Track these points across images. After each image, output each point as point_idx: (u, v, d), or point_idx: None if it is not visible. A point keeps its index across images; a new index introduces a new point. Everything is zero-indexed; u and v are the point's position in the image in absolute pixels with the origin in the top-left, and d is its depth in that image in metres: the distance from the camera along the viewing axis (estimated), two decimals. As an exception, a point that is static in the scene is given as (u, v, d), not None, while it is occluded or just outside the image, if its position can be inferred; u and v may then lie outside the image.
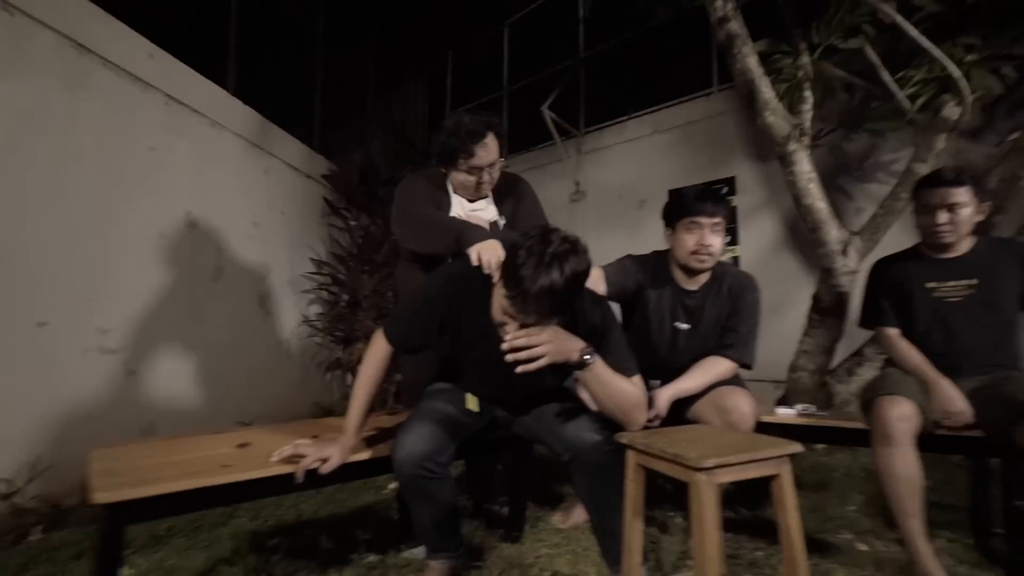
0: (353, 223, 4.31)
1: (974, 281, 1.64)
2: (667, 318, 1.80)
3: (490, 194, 1.79)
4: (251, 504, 2.13)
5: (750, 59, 2.65)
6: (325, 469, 1.23)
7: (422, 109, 6.53)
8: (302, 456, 1.23)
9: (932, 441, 1.56)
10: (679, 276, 1.80)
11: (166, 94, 2.99)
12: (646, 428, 1.41)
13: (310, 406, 4.04)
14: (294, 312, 4.08)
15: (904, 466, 1.46)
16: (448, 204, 1.74)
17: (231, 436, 1.49)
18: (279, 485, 1.24)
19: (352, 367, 3.91)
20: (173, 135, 3.04)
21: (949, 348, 1.66)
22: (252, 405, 3.42)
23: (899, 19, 2.12)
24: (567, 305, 1.15)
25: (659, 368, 1.81)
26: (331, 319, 4.21)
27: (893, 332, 1.77)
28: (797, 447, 1.23)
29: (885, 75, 2.28)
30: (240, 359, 3.46)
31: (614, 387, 1.29)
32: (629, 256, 1.89)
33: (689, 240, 1.71)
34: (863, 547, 1.75)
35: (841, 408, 2.56)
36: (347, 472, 1.33)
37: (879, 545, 1.75)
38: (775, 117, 2.62)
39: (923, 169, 2.37)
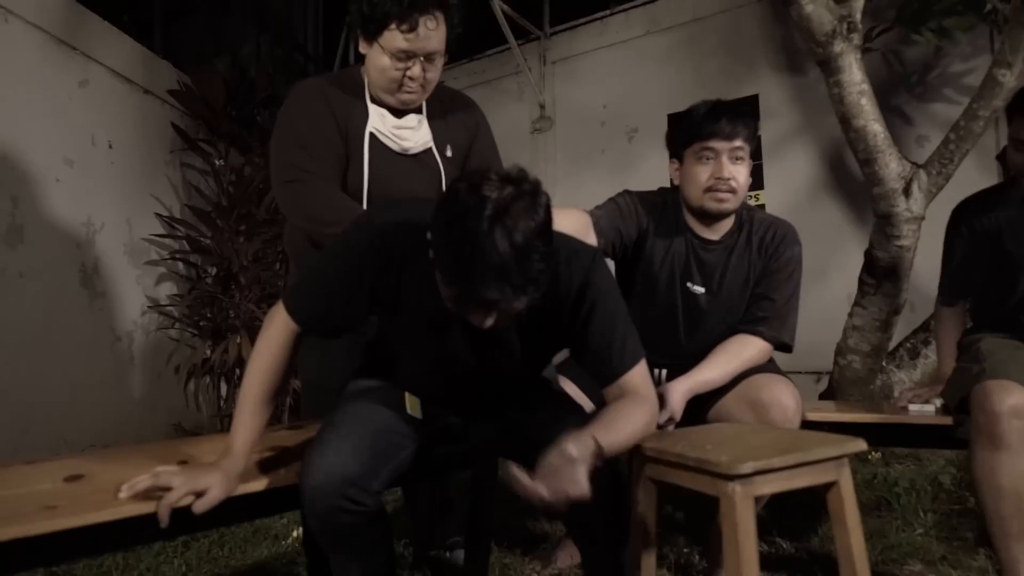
0: (220, 162, 4.13)
1: None
2: (678, 277, 1.83)
3: (423, 108, 1.75)
4: (88, 566, 2.03)
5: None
6: (201, 507, 1.17)
7: (314, 2, 6.32)
8: (166, 489, 1.16)
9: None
10: (693, 223, 1.83)
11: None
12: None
13: (167, 430, 3.89)
14: (136, 293, 3.90)
15: (1012, 475, 1.53)
16: (362, 119, 1.68)
17: (55, 465, 1.39)
18: (132, 533, 1.17)
19: (227, 370, 3.79)
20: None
21: None
22: (77, 429, 3.27)
23: None
24: (534, 282, 1.09)
25: (667, 350, 1.84)
26: (192, 303, 4.05)
27: (948, 311, 2.03)
28: (860, 444, 1.28)
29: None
30: (56, 362, 3.28)
31: (626, 435, 1.25)
32: (627, 192, 1.90)
33: (702, 173, 1.74)
34: (935, 578, 1.86)
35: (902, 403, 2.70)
36: (234, 511, 1.27)
37: (955, 575, 1.87)
38: (815, 5, 2.67)
39: (1008, 79, 2.48)
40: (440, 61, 1.66)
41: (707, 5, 4.33)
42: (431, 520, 2.03)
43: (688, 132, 1.77)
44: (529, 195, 1.06)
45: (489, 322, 1.13)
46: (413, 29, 1.55)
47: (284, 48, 6.02)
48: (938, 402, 1.86)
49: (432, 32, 1.58)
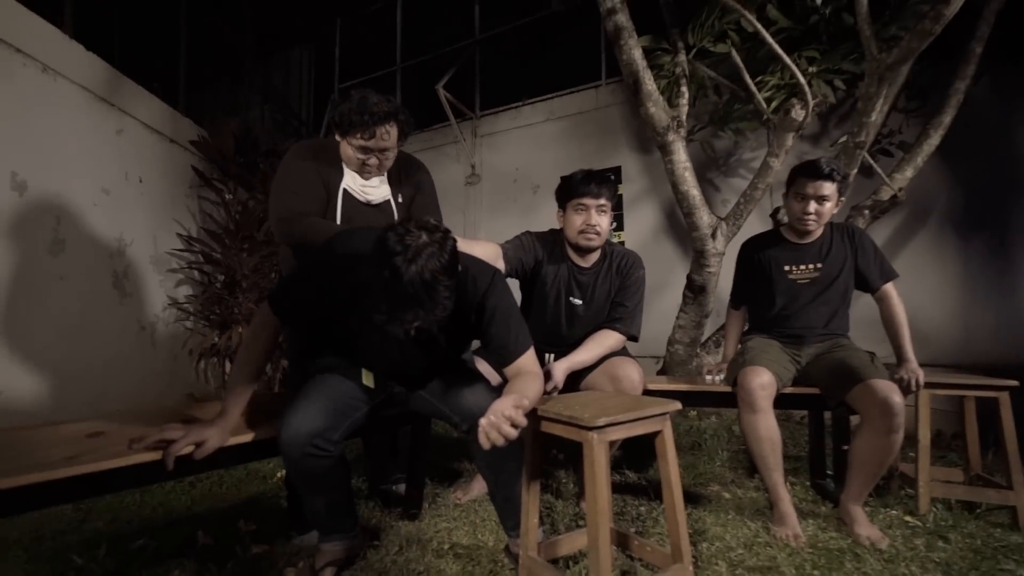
0: (229, 196, 3.88)
1: (819, 265, 1.88)
2: (563, 293, 1.85)
3: (385, 174, 1.70)
4: (107, 508, 1.86)
5: (635, 51, 2.80)
6: (200, 453, 1.10)
7: (307, 79, 6.09)
8: (171, 441, 1.08)
9: (782, 399, 1.79)
10: (572, 254, 1.86)
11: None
12: (544, 397, 1.44)
13: (181, 399, 3.61)
14: (159, 294, 3.61)
15: (766, 428, 1.66)
16: (339, 179, 1.62)
17: (79, 426, 1.27)
18: (141, 476, 1.08)
19: (231, 353, 3.57)
20: (-12, 77, 2.51)
21: (796, 322, 1.90)
22: (107, 399, 2.99)
23: (759, 27, 2.36)
24: (437, 306, 1.08)
25: (555, 341, 1.87)
26: (204, 301, 3.79)
27: (735, 313, 2.14)
28: (677, 405, 1.34)
29: (747, 77, 2.54)
30: (91, 346, 2.99)
31: (530, 398, 1.23)
32: (528, 232, 1.91)
33: (577, 220, 1.78)
34: (727, 495, 1.96)
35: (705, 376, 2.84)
36: (227, 457, 1.21)
37: (740, 492, 1.98)
38: (656, 108, 2.80)
39: (776, 163, 2.67)
40: (393, 153, 1.61)
41: (588, 103, 4.44)
42: (382, 462, 1.97)
43: (568, 190, 1.80)
44: (438, 242, 1.06)
45: (411, 332, 1.13)
46: (372, 137, 1.52)
47: (282, 114, 5.77)
48: (721, 376, 1.98)
49: (387, 137, 1.54)
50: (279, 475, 2.18)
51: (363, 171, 1.60)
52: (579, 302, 1.85)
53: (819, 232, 1.90)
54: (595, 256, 1.86)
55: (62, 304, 2.82)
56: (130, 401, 3.18)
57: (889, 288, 1.87)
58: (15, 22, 2.65)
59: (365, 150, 1.54)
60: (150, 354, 3.50)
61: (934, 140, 2.91)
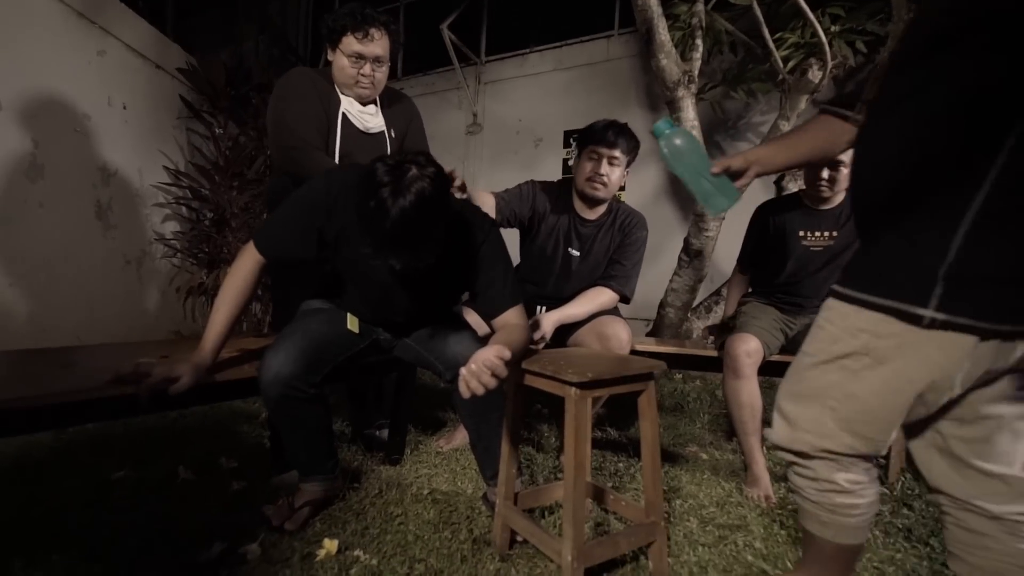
0: (219, 131, 3.75)
1: (835, 233, 1.82)
2: (561, 242, 1.83)
3: (377, 103, 1.70)
4: (89, 438, 1.87)
5: (651, -3, 2.65)
6: (175, 390, 1.08)
7: (305, 11, 5.79)
8: (146, 375, 1.06)
9: (768, 366, 1.79)
10: (578, 204, 1.83)
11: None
12: (531, 348, 1.43)
13: (167, 336, 3.61)
14: (144, 228, 3.54)
15: (748, 394, 1.67)
16: (337, 103, 1.62)
17: (52, 355, 1.25)
18: (116, 409, 1.07)
19: (218, 292, 3.54)
20: (-40, -13, 2.35)
21: (801, 290, 1.87)
22: (90, 331, 2.97)
23: (784, -21, 2.24)
24: (428, 239, 1.06)
25: (548, 292, 1.86)
26: (192, 239, 3.72)
27: (740, 277, 2.08)
28: (662, 365, 1.32)
29: (766, 32, 2.42)
30: (74, 278, 2.95)
31: (516, 349, 1.21)
32: (532, 181, 1.87)
33: (587, 167, 1.74)
34: (704, 456, 2.00)
35: (699, 341, 2.85)
36: (205, 395, 1.20)
37: (717, 454, 2.02)
38: (668, 60, 2.68)
39: (786, 127, 2.59)
40: (386, 67, 1.62)
41: (598, 53, 4.27)
42: (366, 408, 1.98)
43: (586, 136, 1.77)
44: (430, 177, 1.03)
45: (399, 267, 1.10)
46: (365, 35, 1.53)
47: (279, 47, 5.51)
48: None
49: (378, 40, 1.55)
50: (263, 415, 2.19)
51: (357, 87, 1.60)
52: (576, 253, 1.83)
53: (838, 199, 1.85)
54: (601, 210, 1.83)
55: (43, 232, 2.76)
56: (115, 335, 3.16)
57: None
58: (-15, -77, 2.46)
59: (359, 57, 1.56)
60: (136, 289, 3.46)
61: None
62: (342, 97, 1.63)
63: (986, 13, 0.65)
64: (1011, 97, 0.63)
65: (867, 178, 0.81)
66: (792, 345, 1.85)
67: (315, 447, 1.35)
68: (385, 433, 1.88)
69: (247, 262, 1.25)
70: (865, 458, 0.85)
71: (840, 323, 0.80)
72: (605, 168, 1.72)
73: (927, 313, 0.69)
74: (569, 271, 1.85)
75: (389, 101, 1.73)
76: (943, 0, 0.72)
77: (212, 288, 3.53)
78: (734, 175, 1.06)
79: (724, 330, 1.84)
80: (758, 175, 1.07)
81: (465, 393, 1.01)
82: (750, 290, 2.09)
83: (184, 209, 3.75)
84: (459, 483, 1.62)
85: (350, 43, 1.54)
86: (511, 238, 1.68)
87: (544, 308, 1.84)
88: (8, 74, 2.56)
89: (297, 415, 1.25)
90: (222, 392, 1.25)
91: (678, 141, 1.05)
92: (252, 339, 1.64)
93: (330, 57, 1.62)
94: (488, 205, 1.72)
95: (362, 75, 1.57)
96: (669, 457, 1.94)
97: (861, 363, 0.78)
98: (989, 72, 0.65)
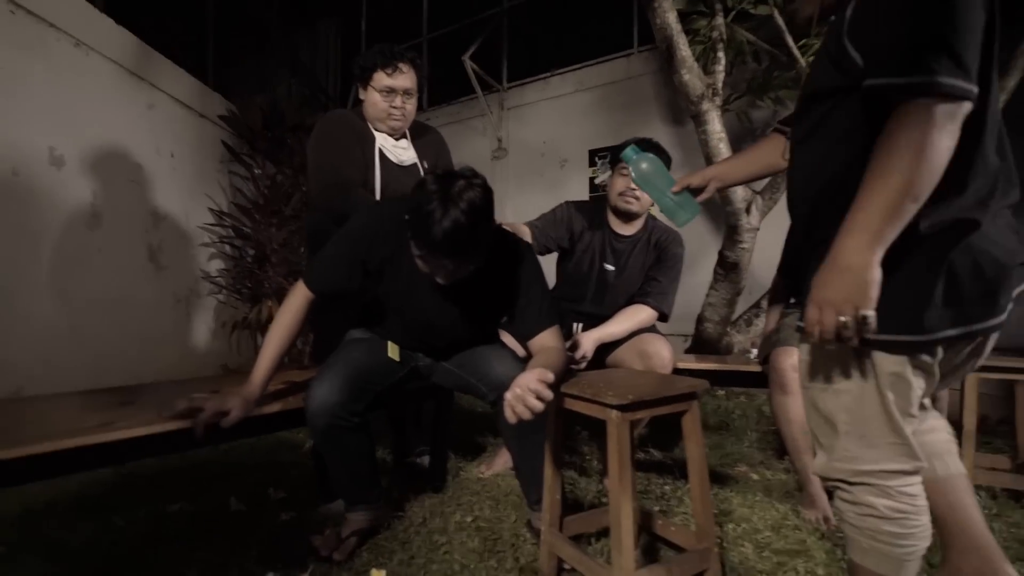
0: (258, 171, 3.94)
1: None
2: (597, 258, 1.86)
3: (408, 136, 1.78)
4: (148, 472, 1.94)
5: (670, 14, 2.67)
6: (227, 423, 1.13)
7: (334, 53, 6.06)
8: (200, 410, 1.11)
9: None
10: (613, 220, 1.86)
11: (11, 0, 2.48)
12: (571, 368, 1.43)
13: (216, 370, 3.74)
14: (192, 267, 3.71)
15: (796, 410, 1.60)
16: (372, 141, 1.70)
17: (113, 394, 1.32)
18: (173, 443, 1.11)
19: (262, 326, 3.66)
20: (23, 53, 2.55)
21: None
22: (145, 368, 3.11)
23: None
24: (478, 244, 1.11)
25: (584, 309, 1.88)
26: (236, 275, 3.88)
27: (780, 288, 1.98)
28: (704, 384, 1.29)
29: (789, 40, 2.40)
30: (129, 317, 3.10)
31: (555, 373, 1.23)
32: (567, 202, 1.93)
33: (619, 183, 1.79)
34: (755, 476, 1.92)
35: (740, 355, 2.78)
36: (254, 427, 1.24)
37: (768, 474, 1.94)
38: (691, 75, 2.68)
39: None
40: (414, 99, 1.70)
41: (619, 72, 4.30)
42: (406, 435, 2.00)
43: (615, 155, 1.80)
44: (477, 187, 1.09)
45: (449, 278, 1.15)
46: (395, 70, 1.62)
47: (310, 88, 5.77)
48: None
49: (406, 73, 1.64)
50: (308, 445, 2.23)
51: (389, 120, 1.68)
52: (612, 268, 1.85)
53: None
54: (637, 226, 1.86)
55: (101, 276, 2.93)
56: (167, 371, 3.30)
57: None
58: (48, -3, 2.69)
59: (390, 91, 1.64)
60: (185, 326, 3.62)
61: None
62: (376, 133, 1.71)
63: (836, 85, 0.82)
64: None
65: (793, 198, 0.94)
66: None
67: (360, 476, 1.37)
68: (426, 460, 1.89)
69: (297, 299, 1.29)
70: (907, 475, 0.83)
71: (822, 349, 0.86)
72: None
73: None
74: (605, 287, 1.86)
75: (417, 134, 1.81)
76: (815, 68, 0.89)
77: (256, 322, 3.67)
78: (695, 191, 1.20)
79: (768, 343, 1.79)
80: (718, 189, 1.22)
81: (511, 418, 1.02)
82: (792, 300, 2.03)
83: (228, 247, 3.92)
84: (502, 509, 1.61)
85: (380, 79, 1.63)
86: (547, 260, 1.70)
87: (581, 325, 1.84)
88: (70, 131, 2.76)
89: (342, 444, 1.28)
90: (271, 424, 1.29)
91: (644, 165, 1.22)
92: (296, 371, 1.69)
93: (361, 96, 1.70)
94: (523, 236, 1.75)
95: (393, 108, 1.65)
96: (717, 478, 1.88)
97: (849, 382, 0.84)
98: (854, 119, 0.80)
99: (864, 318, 0.73)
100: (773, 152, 1.16)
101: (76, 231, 2.80)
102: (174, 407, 1.11)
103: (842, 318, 0.74)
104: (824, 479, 0.91)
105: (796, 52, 2.43)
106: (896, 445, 0.83)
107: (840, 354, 0.84)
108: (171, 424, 1.08)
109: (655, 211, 1.62)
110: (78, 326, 2.77)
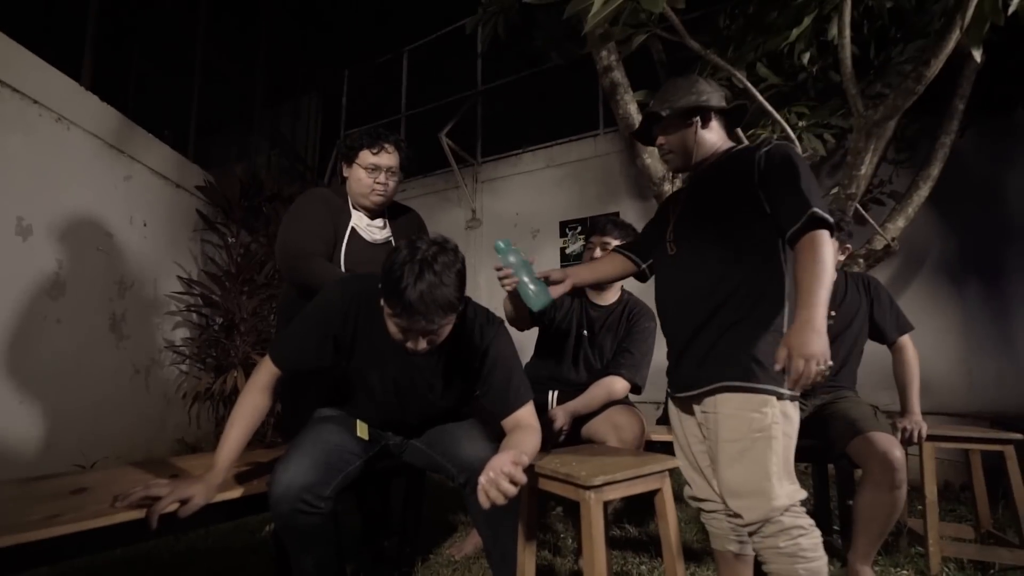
0: (232, 239, 3.93)
1: (832, 313, 1.83)
2: (574, 324, 1.92)
3: (384, 215, 1.81)
4: (87, 564, 1.79)
5: (631, 106, 2.89)
6: (186, 511, 1.06)
7: (314, 126, 6.28)
8: (156, 498, 1.05)
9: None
10: (589, 290, 1.94)
11: (-1, 80, 2.55)
12: (551, 437, 1.43)
13: (172, 444, 3.54)
14: (156, 336, 3.60)
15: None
16: (347, 221, 1.73)
17: (62, 481, 1.24)
18: (125, 535, 1.04)
19: (225, 397, 3.52)
20: (2, 126, 2.59)
21: None
22: (98, 445, 2.93)
23: (748, 85, 2.45)
24: (451, 304, 1.12)
25: (558, 376, 1.91)
26: (201, 344, 3.77)
27: None
28: (676, 462, 1.31)
29: (739, 132, 2.61)
30: (83, 391, 2.96)
31: (529, 453, 1.21)
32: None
33: (588, 256, 1.91)
34: (730, 551, 1.88)
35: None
36: (213, 514, 1.16)
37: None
38: (652, 159, 2.87)
39: (771, 213, 2.72)
40: (396, 177, 1.75)
41: (587, 150, 4.56)
42: (375, 515, 1.91)
43: (591, 228, 1.97)
44: (450, 251, 1.13)
45: (423, 345, 1.14)
46: (380, 149, 1.69)
47: (289, 159, 5.91)
48: None
49: (391, 153, 1.71)
50: (267, 528, 2.10)
51: (372, 195, 1.72)
52: (586, 333, 1.91)
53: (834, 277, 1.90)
54: (612, 297, 1.95)
55: (57, 347, 2.81)
56: (120, 445, 3.12)
57: (905, 340, 1.86)
58: (33, 75, 2.76)
59: (375, 168, 1.69)
60: (143, 398, 3.46)
61: (923, 192, 2.97)
62: (353, 212, 1.75)
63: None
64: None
65: (688, 295, 1.27)
66: (804, 429, 1.81)
67: (324, 564, 1.29)
68: (396, 542, 1.80)
69: (263, 376, 1.27)
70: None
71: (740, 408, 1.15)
72: (602, 254, 1.84)
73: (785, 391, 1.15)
74: (579, 353, 1.91)
75: (395, 214, 1.85)
76: (704, 202, 1.29)
77: (219, 393, 3.53)
78: (554, 283, 1.43)
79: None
80: (574, 285, 1.47)
81: (484, 503, 1.00)
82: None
83: (195, 316, 3.84)
84: (474, 597, 1.53)
85: (366, 156, 1.69)
86: (524, 331, 1.73)
87: (556, 394, 1.86)
88: (41, 200, 2.75)
89: (307, 531, 1.22)
90: (233, 511, 1.22)
91: (511, 258, 1.39)
92: (262, 451, 1.62)
93: (346, 173, 1.75)
94: (506, 310, 1.78)
95: (377, 183, 1.71)
96: (693, 555, 1.84)
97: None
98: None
99: (830, 366, 1.01)
100: (616, 267, 1.53)
101: (38, 301, 2.72)
102: (129, 495, 1.05)
103: (819, 367, 0.98)
104: (756, 521, 1.12)
105: (745, 141, 2.65)
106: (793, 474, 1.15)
107: (765, 406, 1.13)
108: (122, 515, 1.02)
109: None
110: (26, 400, 2.63)
